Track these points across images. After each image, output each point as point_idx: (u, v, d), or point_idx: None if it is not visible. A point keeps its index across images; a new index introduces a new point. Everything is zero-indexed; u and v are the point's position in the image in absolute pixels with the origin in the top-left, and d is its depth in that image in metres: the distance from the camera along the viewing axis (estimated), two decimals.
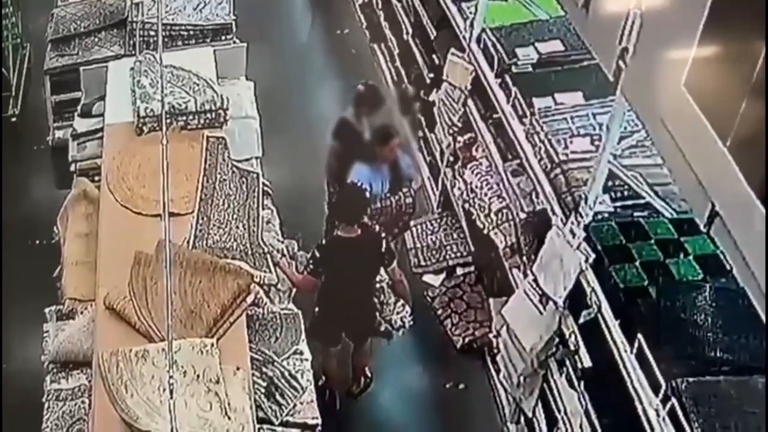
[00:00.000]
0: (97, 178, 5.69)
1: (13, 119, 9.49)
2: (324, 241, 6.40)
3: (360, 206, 6.42)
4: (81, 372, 4.77)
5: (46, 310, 5.12)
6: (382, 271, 6.46)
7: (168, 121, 5.35)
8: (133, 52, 6.57)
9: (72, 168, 6.08)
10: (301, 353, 4.90)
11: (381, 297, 6.57)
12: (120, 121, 5.74)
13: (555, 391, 5.92)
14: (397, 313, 6.56)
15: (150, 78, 5.79)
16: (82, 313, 4.99)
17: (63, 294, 5.24)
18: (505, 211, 6.71)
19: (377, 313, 6.58)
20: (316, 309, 6.49)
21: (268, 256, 5.30)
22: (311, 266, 6.19)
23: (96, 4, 8.00)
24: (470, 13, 7.19)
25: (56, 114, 8.16)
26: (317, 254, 6.23)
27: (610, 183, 5.53)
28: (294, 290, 5.94)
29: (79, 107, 6.40)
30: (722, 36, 3.74)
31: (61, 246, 5.62)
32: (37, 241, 7.55)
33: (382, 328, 6.61)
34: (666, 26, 4.15)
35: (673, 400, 4.52)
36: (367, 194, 6.74)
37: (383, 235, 6.50)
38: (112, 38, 7.76)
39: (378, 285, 6.55)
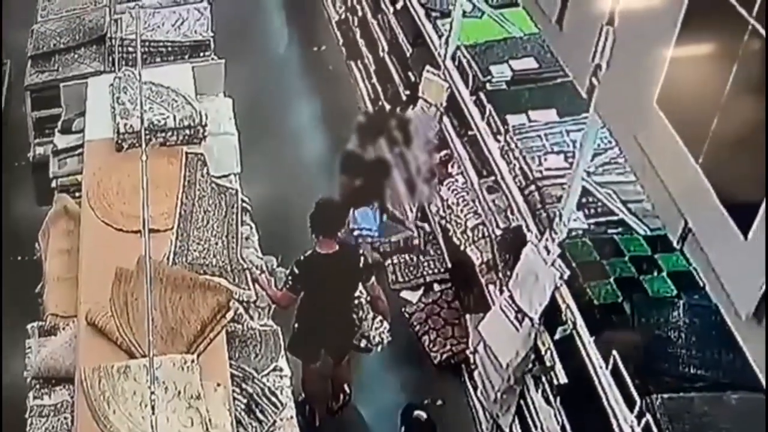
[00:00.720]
0: (77, 195, 5.72)
1: None
2: (303, 257, 6.36)
3: (336, 219, 6.40)
4: (63, 388, 4.78)
5: (28, 326, 5.14)
6: (360, 287, 6.43)
7: (147, 137, 5.36)
8: (113, 69, 6.69)
9: (53, 184, 6.12)
10: (281, 370, 4.92)
11: (360, 313, 6.53)
12: (100, 137, 5.76)
13: (532, 407, 5.92)
14: (376, 329, 6.53)
15: (129, 94, 5.79)
16: (64, 329, 5.01)
17: (45, 310, 5.27)
18: (480, 227, 6.71)
19: (356, 329, 6.55)
20: (295, 325, 6.46)
21: (247, 272, 5.33)
22: (290, 282, 6.16)
23: (75, 21, 8.08)
24: (445, 30, 7.22)
25: (37, 130, 8.31)
26: (296, 270, 6.19)
27: (584, 200, 5.55)
28: (273, 306, 5.94)
29: (59, 123, 6.43)
30: (694, 53, 3.76)
31: (42, 262, 5.65)
32: (19, 257, 7.51)
33: (362, 344, 6.58)
34: (639, 43, 4.16)
35: (648, 416, 4.53)
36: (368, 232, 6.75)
37: (361, 251, 6.49)
38: (92, 54, 7.87)
39: (356, 301, 6.52)
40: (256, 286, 5.67)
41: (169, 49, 7.33)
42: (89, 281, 4.87)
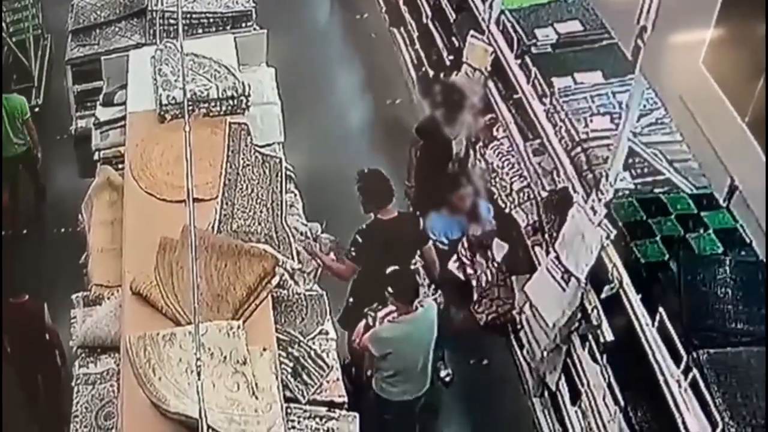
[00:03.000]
0: (120, 166, 5.63)
1: (36, 109, 9.43)
2: (365, 226, 6.40)
3: (385, 188, 6.43)
4: (109, 356, 4.73)
5: (73, 296, 5.08)
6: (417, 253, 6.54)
7: (190, 108, 5.31)
8: (154, 41, 6.53)
9: (95, 157, 6.03)
10: (327, 333, 4.87)
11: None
12: (142, 109, 5.67)
13: (578, 365, 5.96)
14: (432, 296, 6.64)
15: (171, 66, 5.72)
16: (108, 298, 4.93)
17: (89, 280, 5.19)
18: (526, 189, 6.73)
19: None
20: (350, 299, 6.54)
21: (293, 243, 5.23)
22: (353, 252, 6.24)
23: None
24: None
25: (78, 103, 8.03)
26: (359, 239, 6.27)
27: (630, 160, 5.54)
28: (320, 272, 5.95)
29: (101, 96, 6.35)
30: (739, 14, 3.81)
31: (86, 233, 5.57)
32: (62, 230, 7.59)
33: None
34: (684, 5, 4.20)
35: (695, 371, 4.56)
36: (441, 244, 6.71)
37: (418, 214, 6.57)
38: (133, 27, 7.62)
39: (413, 268, 6.59)
40: (315, 257, 5.83)
41: (211, 20, 7.07)
42: (133, 251, 4.78)
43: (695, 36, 4.05)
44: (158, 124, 5.52)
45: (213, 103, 5.55)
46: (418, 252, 6.56)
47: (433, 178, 6.94)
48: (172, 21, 6.69)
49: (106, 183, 5.63)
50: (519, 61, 6.82)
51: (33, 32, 9.86)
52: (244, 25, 7.06)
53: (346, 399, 4.58)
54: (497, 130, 7.20)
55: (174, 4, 6.63)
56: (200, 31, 6.95)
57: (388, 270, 5.97)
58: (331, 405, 4.52)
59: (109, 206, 5.53)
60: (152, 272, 4.54)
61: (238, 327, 4.17)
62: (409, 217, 6.57)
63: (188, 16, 6.91)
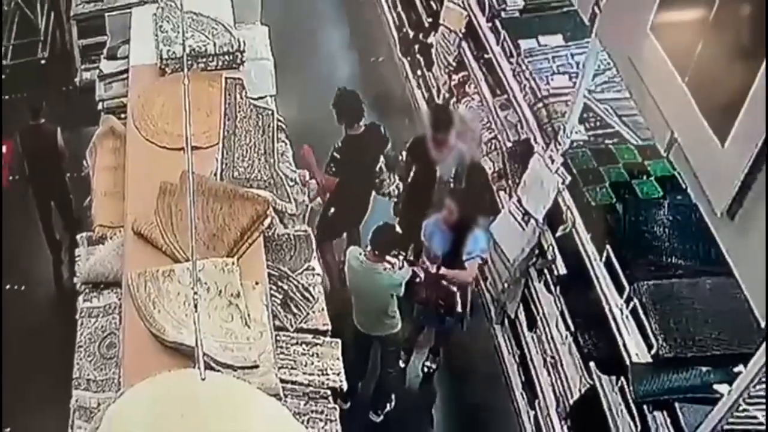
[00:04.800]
0: (122, 116, 5.42)
1: (42, 62, 9.31)
2: (339, 143, 6.58)
3: (358, 107, 6.58)
4: (111, 291, 4.58)
5: (78, 236, 4.95)
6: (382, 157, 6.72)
7: (189, 62, 5.06)
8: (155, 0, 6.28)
9: (99, 107, 5.87)
10: (313, 269, 4.78)
11: (381, 175, 6.79)
12: (144, 63, 5.47)
13: (534, 296, 6.04)
14: (392, 184, 6.82)
15: (171, 23, 5.55)
16: (111, 238, 4.78)
17: (93, 222, 5.03)
18: (493, 140, 6.77)
19: (376, 190, 6.86)
20: (331, 209, 6.73)
21: (288, 189, 5.11)
22: (333, 167, 6.49)
23: None
24: None
25: (83, 57, 8.07)
26: (336, 155, 6.47)
27: (584, 115, 5.60)
28: (308, 213, 5.81)
29: (104, 50, 6.14)
30: None
31: (90, 178, 5.41)
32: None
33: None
34: None
35: (635, 300, 4.65)
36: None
37: (379, 124, 6.75)
38: None
39: (378, 168, 6.76)
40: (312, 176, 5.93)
41: None
42: (135, 195, 4.62)
43: (645, 5, 4.04)
44: (159, 77, 5.36)
45: (210, 59, 5.40)
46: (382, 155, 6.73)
47: (415, 201, 6.63)
48: None
49: (109, 131, 5.49)
50: (490, 24, 6.80)
51: None
52: None
53: (329, 327, 4.56)
54: (469, 86, 7.21)
55: None
56: None
57: (374, 226, 5.98)
58: (316, 332, 4.50)
59: (112, 153, 5.35)
60: (152, 214, 4.40)
61: (233, 263, 4.11)
62: (374, 127, 6.71)
63: None
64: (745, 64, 3.31)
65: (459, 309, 6.16)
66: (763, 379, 3.52)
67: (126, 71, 5.65)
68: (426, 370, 6.77)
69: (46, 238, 7.62)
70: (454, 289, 6.05)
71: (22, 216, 7.71)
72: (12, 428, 6.21)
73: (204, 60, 5.38)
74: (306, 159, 6.48)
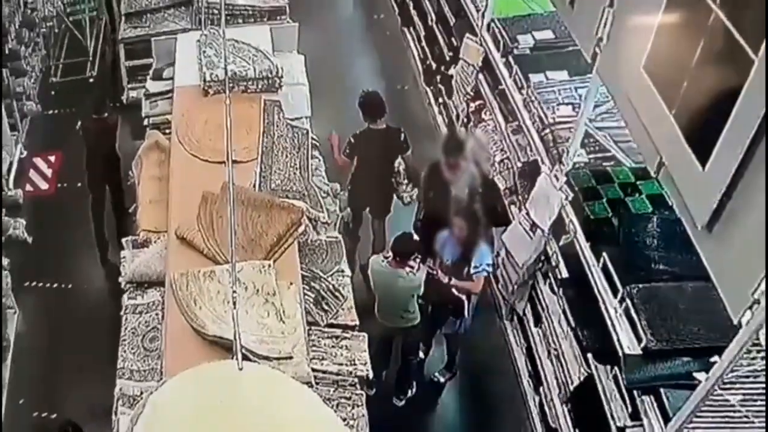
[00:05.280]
0: (167, 131, 5.36)
1: (90, 80, 9.21)
2: (359, 131, 6.41)
3: (380, 105, 6.49)
4: (155, 290, 4.52)
5: (123, 240, 4.89)
6: (400, 158, 6.64)
7: (230, 85, 5.01)
8: (199, 27, 6.18)
9: (145, 122, 5.77)
10: (343, 271, 4.78)
11: (398, 178, 6.70)
12: (188, 84, 5.39)
13: (540, 296, 6.05)
14: (408, 192, 6.73)
15: (214, 49, 5.47)
16: (155, 242, 4.72)
17: (138, 227, 4.98)
18: (506, 161, 6.78)
19: (394, 191, 6.76)
20: (348, 187, 6.58)
21: (321, 200, 5.04)
22: (348, 150, 6.40)
23: None
24: (482, 6, 7.20)
25: (130, 76, 7.92)
26: (352, 141, 6.37)
27: (585, 140, 5.65)
28: (339, 222, 5.85)
29: (151, 71, 6.05)
30: (671, 32, 3.92)
31: (136, 187, 5.36)
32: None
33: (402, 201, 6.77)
34: (631, 22, 4.31)
35: (627, 300, 4.67)
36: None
37: (401, 129, 6.62)
38: (180, 14, 7.45)
39: (396, 169, 6.67)
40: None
41: (250, 12, 6.82)
42: (178, 203, 4.56)
43: (639, 46, 4.08)
44: (202, 98, 5.30)
45: (250, 82, 5.36)
46: (400, 156, 6.62)
47: (432, 218, 6.40)
48: (215, 11, 6.49)
49: (154, 144, 5.43)
50: (504, 60, 6.84)
51: (89, 14, 9.37)
52: (278, 18, 6.87)
53: (357, 322, 4.53)
54: (485, 113, 7.22)
55: None
56: (240, 21, 6.77)
57: (396, 234, 5.92)
58: (345, 327, 4.49)
59: (157, 164, 5.29)
60: (194, 221, 4.35)
61: (269, 265, 4.05)
62: (395, 129, 6.54)
63: (230, 7, 6.69)
64: (724, 99, 3.36)
65: (465, 314, 6.16)
66: (736, 368, 3.60)
67: (170, 91, 5.59)
68: (437, 379, 6.57)
69: (96, 235, 7.33)
70: (463, 297, 6.05)
71: (67, 221, 7.60)
72: (58, 414, 6.03)
73: (245, 83, 5.34)
74: (331, 141, 6.45)
